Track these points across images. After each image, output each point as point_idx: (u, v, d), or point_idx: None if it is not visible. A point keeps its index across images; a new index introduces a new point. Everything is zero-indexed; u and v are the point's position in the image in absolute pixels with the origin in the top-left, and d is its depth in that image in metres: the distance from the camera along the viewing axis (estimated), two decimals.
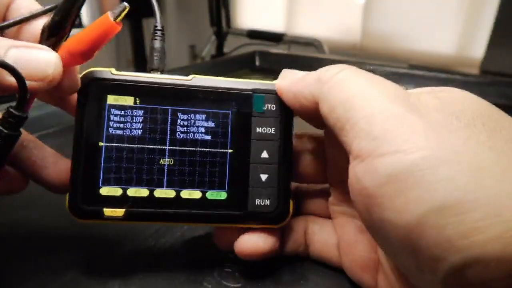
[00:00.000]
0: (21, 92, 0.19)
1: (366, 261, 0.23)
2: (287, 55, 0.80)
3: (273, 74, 0.24)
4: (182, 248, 0.27)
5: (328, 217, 0.26)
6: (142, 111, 0.22)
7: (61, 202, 0.22)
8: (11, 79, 0.19)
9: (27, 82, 0.19)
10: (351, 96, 0.19)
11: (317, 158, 0.25)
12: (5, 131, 0.20)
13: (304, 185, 0.27)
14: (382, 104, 0.18)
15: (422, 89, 0.20)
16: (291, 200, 0.24)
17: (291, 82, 0.23)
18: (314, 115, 0.21)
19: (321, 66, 0.22)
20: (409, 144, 0.16)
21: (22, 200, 0.30)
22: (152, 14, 0.24)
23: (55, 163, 0.23)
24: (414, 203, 0.15)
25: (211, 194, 0.23)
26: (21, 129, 0.21)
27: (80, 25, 0.80)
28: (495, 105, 0.18)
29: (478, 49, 0.78)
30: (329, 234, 0.25)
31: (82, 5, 0.20)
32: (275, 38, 1.30)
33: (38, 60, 0.19)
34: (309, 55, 0.85)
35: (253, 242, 0.23)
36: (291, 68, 0.24)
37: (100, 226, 0.28)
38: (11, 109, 0.20)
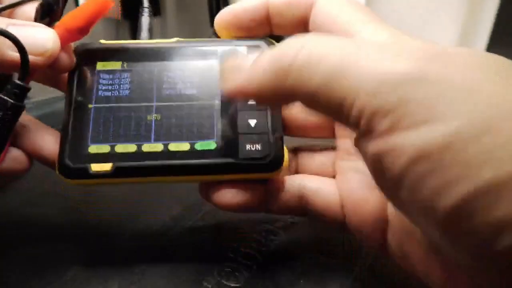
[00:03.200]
0: (23, 62, 0.20)
1: (376, 220, 0.21)
2: None
3: None
4: (182, 248, 0.27)
5: (330, 177, 0.24)
6: (129, 73, 0.23)
7: (62, 200, 0.22)
8: (12, 54, 0.19)
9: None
10: (338, 69, 0.15)
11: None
12: (11, 101, 0.20)
13: (305, 145, 0.26)
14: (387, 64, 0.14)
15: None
16: (285, 147, 0.23)
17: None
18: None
19: None
20: (440, 113, 0.13)
21: (22, 199, 0.30)
22: (152, 14, 0.24)
23: (55, 141, 0.23)
24: (456, 183, 0.13)
25: (200, 145, 0.22)
26: None
27: (76, 5, 0.80)
28: None
29: (478, 49, 0.78)
30: (332, 193, 0.23)
31: None
32: (275, 38, 1.30)
33: (36, 36, 0.20)
34: None
35: (232, 193, 0.23)
36: None
37: (100, 225, 0.28)
38: (15, 80, 0.20)
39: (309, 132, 0.25)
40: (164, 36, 0.25)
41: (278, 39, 0.21)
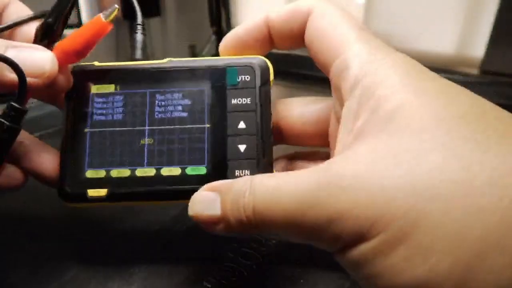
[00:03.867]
0: (21, 86, 0.20)
1: None
2: (287, 55, 0.80)
3: (273, 74, 0.24)
4: (182, 248, 0.27)
5: None
6: (122, 96, 0.24)
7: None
8: (11, 75, 0.20)
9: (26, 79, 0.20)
10: None
11: (320, 118, 0.24)
12: (8, 123, 0.21)
13: (301, 153, 0.26)
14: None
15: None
16: (274, 171, 0.23)
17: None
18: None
19: None
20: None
21: (22, 199, 0.30)
22: (151, 15, 0.25)
23: (51, 158, 0.24)
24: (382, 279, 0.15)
25: (191, 170, 0.23)
26: None
27: (79, 25, 0.80)
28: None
29: (478, 49, 0.78)
30: None
31: (72, 7, 0.22)
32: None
33: (34, 58, 0.21)
34: (309, 55, 0.85)
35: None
36: (290, 69, 0.24)
37: (100, 225, 0.28)
38: (12, 103, 0.20)
39: (306, 141, 0.25)
40: (164, 36, 0.25)
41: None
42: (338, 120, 0.22)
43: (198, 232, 0.28)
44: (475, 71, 0.76)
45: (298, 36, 0.22)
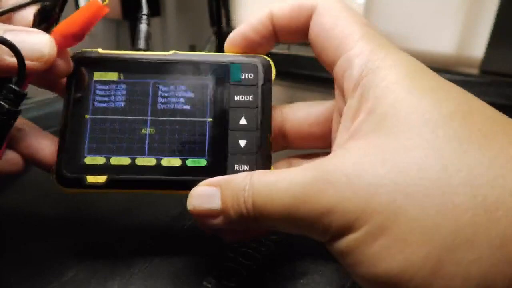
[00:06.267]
0: (20, 68, 0.20)
1: None
2: (287, 55, 0.80)
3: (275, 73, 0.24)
4: (182, 248, 0.27)
5: None
6: (125, 85, 0.24)
7: (61, 201, 0.22)
8: (9, 59, 0.20)
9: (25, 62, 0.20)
10: None
11: (328, 118, 0.25)
12: (7, 106, 0.20)
13: (300, 154, 0.26)
14: None
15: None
16: (272, 167, 0.24)
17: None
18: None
19: (321, 67, 0.22)
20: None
21: (22, 199, 0.30)
22: (151, 14, 0.24)
23: (50, 145, 0.24)
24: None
25: (191, 162, 0.23)
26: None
27: (77, 6, 0.81)
28: (495, 105, 0.18)
29: (478, 49, 0.78)
30: None
31: None
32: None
33: (33, 41, 0.20)
34: (309, 55, 0.85)
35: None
36: (290, 69, 0.24)
37: (100, 226, 0.28)
38: (10, 85, 0.20)
39: (312, 143, 0.26)
40: (164, 36, 0.25)
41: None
42: (341, 119, 0.22)
43: (198, 232, 0.28)
44: (475, 71, 0.76)
45: (302, 31, 0.22)
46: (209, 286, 0.23)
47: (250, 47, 0.24)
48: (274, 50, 0.25)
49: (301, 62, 0.75)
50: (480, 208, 0.15)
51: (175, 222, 0.29)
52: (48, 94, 0.45)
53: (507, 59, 0.70)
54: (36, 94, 0.45)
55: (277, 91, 0.27)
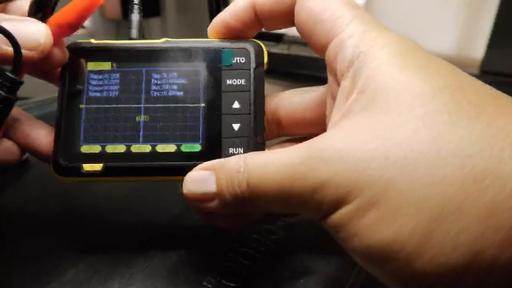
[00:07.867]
0: (16, 56, 0.20)
1: None
2: (287, 55, 0.80)
3: (273, 74, 0.24)
4: (182, 247, 0.27)
5: None
6: (118, 74, 0.24)
7: (61, 200, 0.22)
8: (5, 48, 0.20)
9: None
10: None
11: (322, 103, 0.25)
12: (3, 94, 0.20)
13: (294, 138, 0.26)
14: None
15: None
16: (266, 150, 0.24)
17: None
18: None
19: (320, 67, 0.22)
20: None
21: (22, 199, 0.30)
22: (151, 14, 0.25)
23: (47, 135, 0.24)
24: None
25: (185, 147, 0.23)
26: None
27: None
28: None
29: (478, 49, 0.78)
30: None
31: None
32: (275, 38, 1.30)
33: (29, 30, 0.21)
34: (309, 55, 0.85)
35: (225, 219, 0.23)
36: (290, 69, 0.24)
37: (100, 225, 0.28)
38: (7, 73, 0.20)
39: (306, 128, 0.26)
40: (164, 36, 0.25)
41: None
42: (334, 102, 0.22)
43: (198, 232, 0.28)
44: (475, 71, 0.76)
45: (286, 17, 0.22)
46: (209, 286, 0.23)
47: (232, 34, 0.24)
48: (274, 50, 0.25)
49: (301, 62, 0.75)
50: (469, 178, 0.15)
51: (175, 222, 0.29)
52: (48, 94, 0.46)
53: (507, 59, 0.70)
54: (36, 94, 0.45)
55: (277, 91, 0.27)
